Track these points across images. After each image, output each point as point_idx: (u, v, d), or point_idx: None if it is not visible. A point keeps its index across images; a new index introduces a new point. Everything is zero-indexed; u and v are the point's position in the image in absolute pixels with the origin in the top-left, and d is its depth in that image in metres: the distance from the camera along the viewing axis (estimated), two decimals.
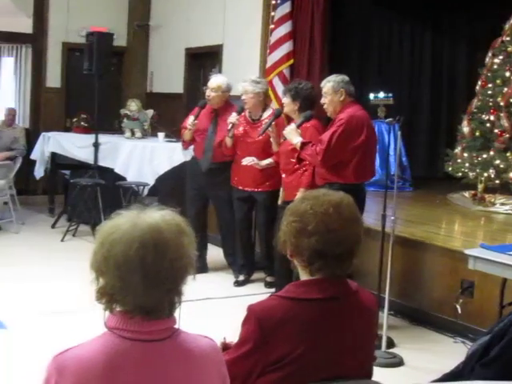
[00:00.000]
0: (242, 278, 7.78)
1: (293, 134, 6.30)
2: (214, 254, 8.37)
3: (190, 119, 7.75)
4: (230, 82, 7.79)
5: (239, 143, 7.49)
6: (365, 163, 6.14)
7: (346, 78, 6.23)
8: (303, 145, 6.17)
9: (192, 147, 8.10)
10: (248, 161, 7.22)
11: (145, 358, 2.10)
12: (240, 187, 7.55)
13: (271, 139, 7.00)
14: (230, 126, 7.41)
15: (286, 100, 6.71)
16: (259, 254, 7.90)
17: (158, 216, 2.16)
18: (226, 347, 2.79)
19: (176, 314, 2.20)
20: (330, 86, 6.15)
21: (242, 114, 7.48)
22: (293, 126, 6.38)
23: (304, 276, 2.73)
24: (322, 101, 6.25)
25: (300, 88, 6.66)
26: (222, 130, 7.60)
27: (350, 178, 6.03)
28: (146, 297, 2.09)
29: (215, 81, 7.78)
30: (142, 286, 2.08)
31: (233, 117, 7.40)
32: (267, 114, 7.41)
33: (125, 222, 2.13)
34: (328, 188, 5.72)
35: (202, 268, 7.82)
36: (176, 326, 2.19)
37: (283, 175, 6.87)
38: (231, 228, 7.93)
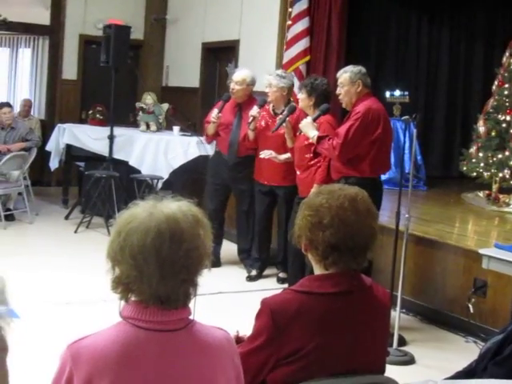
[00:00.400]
0: (254, 272, 7.78)
1: (309, 128, 6.27)
2: (228, 248, 8.37)
3: (214, 112, 7.74)
4: (255, 76, 7.78)
5: (260, 136, 7.49)
6: (381, 156, 6.11)
7: (363, 69, 6.17)
8: (320, 139, 6.15)
9: (214, 142, 8.11)
10: (266, 154, 7.21)
11: (159, 347, 2.10)
12: (261, 181, 7.55)
13: (286, 135, 6.96)
14: (250, 118, 7.40)
15: (301, 95, 6.69)
16: (275, 249, 7.90)
17: (174, 206, 2.16)
18: (239, 340, 2.80)
19: (191, 306, 2.21)
20: (348, 77, 6.10)
21: (265, 107, 7.46)
22: (309, 119, 6.34)
23: (318, 270, 2.73)
24: (338, 91, 6.20)
25: (316, 84, 6.64)
26: (245, 124, 7.59)
27: (366, 171, 6.01)
28: (161, 286, 2.10)
29: (240, 74, 7.78)
30: (157, 276, 2.08)
31: (254, 110, 7.41)
32: None
33: (142, 211, 2.15)
34: (344, 182, 5.73)
35: (216, 262, 7.83)
36: (191, 317, 2.20)
37: (297, 171, 6.86)
38: (249, 222, 7.95)
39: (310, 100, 6.62)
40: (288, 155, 7.15)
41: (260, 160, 7.46)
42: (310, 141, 6.44)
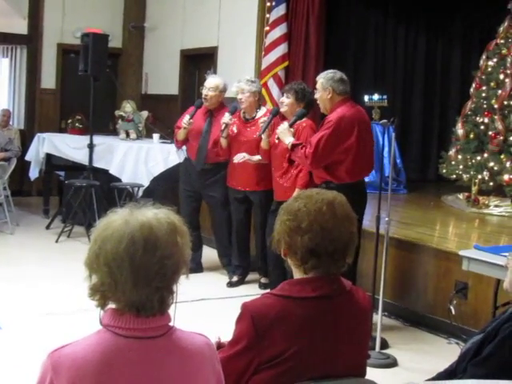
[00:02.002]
0: (235, 278, 7.78)
1: (285, 134, 6.26)
2: (208, 254, 8.38)
3: (186, 118, 7.74)
4: (227, 83, 7.81)
5: (233, 143, 7.49)
6: (359, 162, 6.03)
7: (338, 75, 6.07)
8: (293, 146, 6.15)
9: (185, 148, 8.11)
10: (239, 158, 7.22)
11: (139, 354, 2.11)
12: (235, 187, 7.56)
13: (263, 136, 6.95)
14: (223, 126, 7.41)
15: (287, 100, 6.69)
16: (254, 255, 7.90)
17: (150, 214, 2.17)
18: (220, 346, 2.80)
19: (171, 313, 2.21)
20: (320, 83, 6.09)
21: (236, 113, 7.48)
22: (286, 125, 6.33)
23: (298, 275, 2.73)
24: (315, 96, 6.20)
25: (307, 91, 6.69)
26: (216, 131, 7.61)
27: (343, 177, 5.97)
28: (135, 294, 2.11)
29: (213, 80, 7.79)
30: (130, 283, 2.09)
31: (226, 117, 7.41)
32: (261, 113, 7.41)
33: (117, 219, 2.16)
34: (325, 187, 5.74)
35: (197, 268, 7.85)
36: (171, 324, 2.20)
37: (275, 175, 6.87)
38: (225, 229, 7.96)
39: (298, 106, 6.64)
40: (259, 157, 7.17)
41: (233, 166, 7.46)
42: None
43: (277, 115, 7.05)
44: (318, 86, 6.11)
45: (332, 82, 6.05)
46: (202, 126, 7.79)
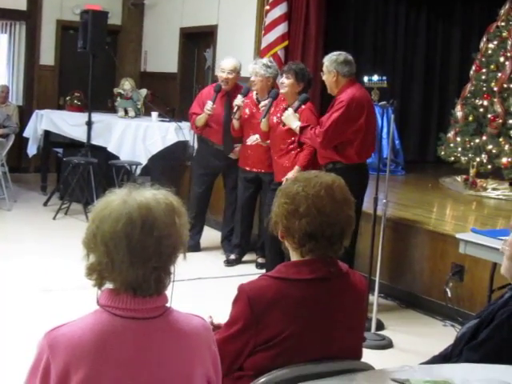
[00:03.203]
0: (233, 256, 7.80)
1: (291, 120, 6.27)
2: (207, 234, 8.38)
3: (209, 105, 7.61)
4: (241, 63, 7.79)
5: (246, 125, 7.47)
6: (366, 142, 6.09)
7: (342, 57, 6.07)
8: (302, 129, 6.16)
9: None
10: (252, 140, 7.20)
11: (136, 335, 2.11)
12: (247, 168, 7.54)
13: (263, 120, 6.93)
14: (235, 108, 7.38)
15: (288, 81, 6.64)
16: (255, 235, 7.94)
17: (149, 194, 2.17)
18: (214, 327, 2.81)
19: (168, 293, 2.22)
20: (325, 66, 6.10)
21: (248, 95, 7.45)
22: (290, 110, 6.33)
23: (295, 257, 2.74)
24: (323, 78, 6.19)
25: (306, 71, 6.69)
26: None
27: (353, 157, 6.01)
28: (132, 273, 2.11)
29: (230, 62, 7.73)
30: (127, 262, 2.10)
31: (238, 99, 7.37)
32: None
33: (115, 199, 2.16)
34: (331, 167, 5.77)
35: (195, 247, 7.85)
36: (168, 305, 2.21)
37: (275, 156, 6.87)
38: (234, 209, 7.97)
39: (299, 86, 6.63)
40: None
41: (246, 147, 7.46)
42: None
43: (276, 98, 7.02)
44: (324, 68, 6.11)
45: (336, 64, 6.04)
46: (221, 109, 7.75)
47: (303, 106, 6.49)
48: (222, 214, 8.27)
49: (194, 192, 8.12)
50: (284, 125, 6.48)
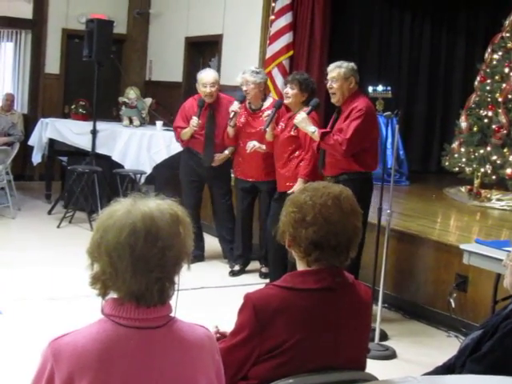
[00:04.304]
0: (237, 267, 7.79)
1: (307, 123, 6.21)
2: (211, 243, 8.37)
3: (194, 120, 7.60)
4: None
5: (241, 134, 7.48)
6: (377, 151, 6.21)
7: (355, 65, 6.16)
8: (323, 134, 6.07)
9: None
10: (250, 147, 7.20)
11: (139, 345, 2.11)
12: (243, 178, 7.55)
13: (267, 129, 6.95)
14: (232, 114, 7.39)
15: (292, 91, 6.65)
16: (257, 244, 7.93)
17: (153, 205, 2.18)
18: (220, 336, 2.82)
19: (172, 302, 2.22)
20: (342, 73, 6.03)
21: (244, 103, 7.46)
22: (304, 114, 6.28)
23: (301, 266, 2.75)
24: (329, 85, 6.11)
25: (310, 81, 6.70)
26: (220, 121, 7.61)
27: (371, 165, 6.07)
28: (135, 283, 2.11)
29: (211, 75, 7.71)
30: (130, 273, 2.10)
31: (235, 105, 7.38)
32: (267, 103, 7.39)
33: (119, 209, 2.16)
34: (346, 178, 5.78)
35: (199, 257, 7.86)
36: (172, 315, 2.21)
37: (277, 165, 6.88)
38: (228, 218, 7.96)
39: (303, 96, 6.64)
40: None
41: (242, 157, 7.47)
42: (290, 134, 6.50)
43: (280, 108, 7.03)
44: (337, 75, 6.05)
45: (353, 72, 6.09)
46: (203, 120, 7.72)
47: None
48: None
49: (184, 204, 7.93)
50: (295, 128, 6.43)
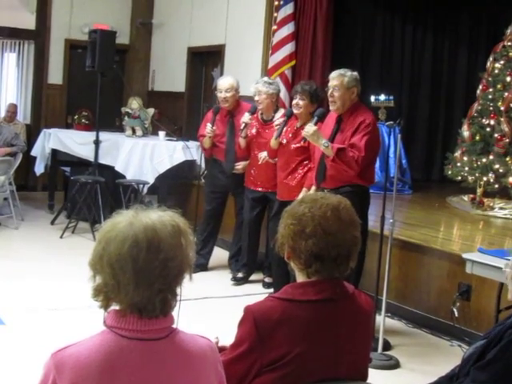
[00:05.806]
0: (240, 275, 7.79)
1: (318, 136, 5.94)
2: (214, 253, 8.35)
3: (208, 127, 7.71)
4: (238, 80, 7.80)
5: (253, 144, 7.50)
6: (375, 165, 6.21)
7: (357, 75, 6.06)
8: (340, 150, 5.82)
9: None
10: (261, 158, 7.21)
11: (142, 356, 2.11)
12: (254, 188, 7.54)
13: (275, 136, 6.93)
14: (242, 125, 7.41)
15: (302, 102, 6.62)
16: (262, 254, 7.94)
17: (155, 216, 2.18)
18: (220, 349, 2.80)
19: (174, 313, 2.22)
20: (345, 82, 5.92)
21: (255, 114, 7.47)
22: (313, 126, 6.03)
23: (301, 278, 2.74)
24: (330, 93, 5.98)
25: (318, 92, 6.68)
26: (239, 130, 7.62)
27: (371, 179, 6.05)
28: (137, 295, 2.11)
29: (227, 81, 7.76)
30: (132, 285, 2.10)
31: (245, 117, 7.41)
32: (279, 114, 7.38)
33: (121, 220, 2.17)
34: (349, 189, 5.73)
35: (202, 266, 7.86)
36: (174, 326, 2.21)
37: (281, 174, 6.88)
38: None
39: (312, 107, 6.64)
40: None
41: (254, 167, 7.49)
42: (301, 144, 6.49)
43: (291, 117, 7.01)
44: (340, 84, 5.94)
45: (356, 82, 6.00)
46: (224, 129, 7.79)
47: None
48: (232, 233, 8.26)
49: (204, 210, 8.13)
50: (305, 140, 6.23)
